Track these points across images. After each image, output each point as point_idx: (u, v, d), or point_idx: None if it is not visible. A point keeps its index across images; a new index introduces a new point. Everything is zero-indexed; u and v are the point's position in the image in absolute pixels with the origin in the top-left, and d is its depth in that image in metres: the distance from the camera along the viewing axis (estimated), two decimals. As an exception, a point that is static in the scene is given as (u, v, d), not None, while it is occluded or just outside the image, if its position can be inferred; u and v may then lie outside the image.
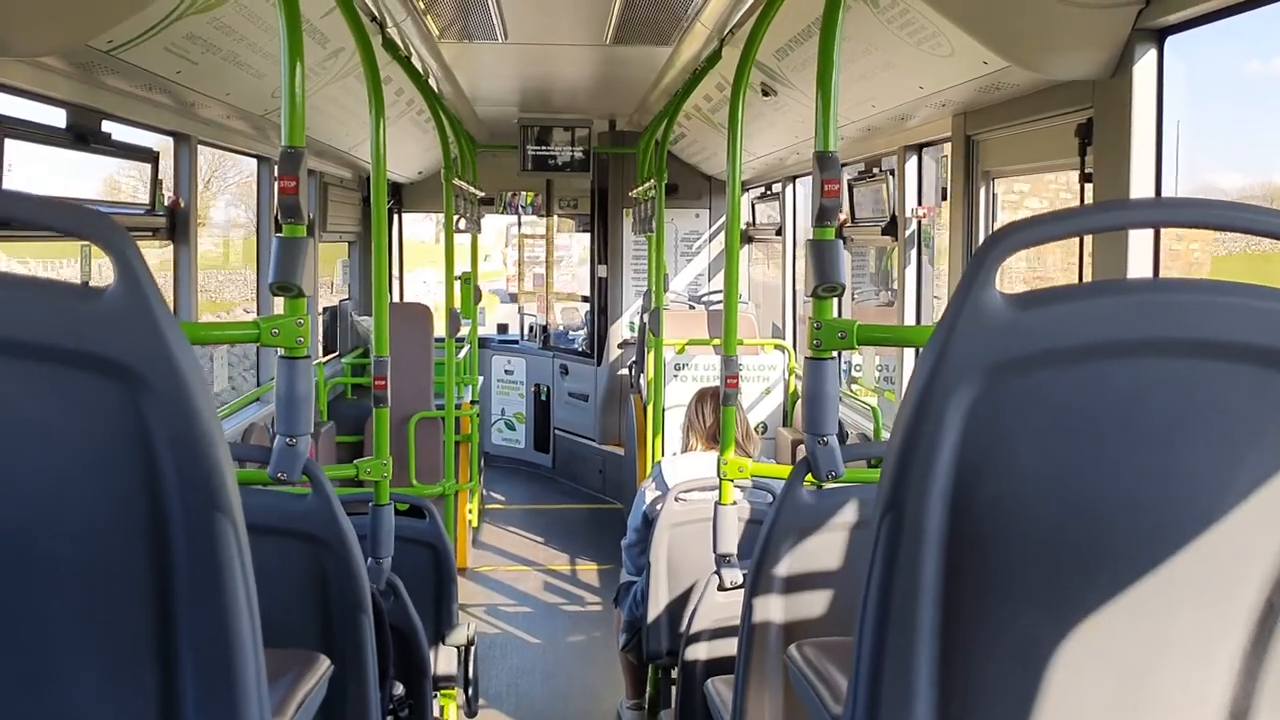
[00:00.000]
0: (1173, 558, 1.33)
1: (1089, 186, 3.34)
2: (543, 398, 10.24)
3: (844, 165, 5.11)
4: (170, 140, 4.64)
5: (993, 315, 1.27)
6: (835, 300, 2.43)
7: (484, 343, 9.97)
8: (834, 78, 2.45)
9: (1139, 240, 3.02)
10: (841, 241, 2.48)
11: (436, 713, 3.59)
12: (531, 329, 10.74)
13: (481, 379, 9.18)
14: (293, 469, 2.34)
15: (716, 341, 7.10)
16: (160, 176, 4.52)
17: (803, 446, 6.60)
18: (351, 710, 2.37)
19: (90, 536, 1.30)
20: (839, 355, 2.58)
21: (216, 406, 1.33)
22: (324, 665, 1.81)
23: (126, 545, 1.31)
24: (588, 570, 7.58)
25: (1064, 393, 1.28)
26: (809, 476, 2.43)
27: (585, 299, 10.22)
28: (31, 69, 3.27)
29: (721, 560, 3.25)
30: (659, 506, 4.22)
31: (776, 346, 7.14)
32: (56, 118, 3.77)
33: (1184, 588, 1.35)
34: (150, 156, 4.39)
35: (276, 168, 2.36)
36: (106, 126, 3.94)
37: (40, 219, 1.26)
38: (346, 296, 9.08)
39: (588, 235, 10.16)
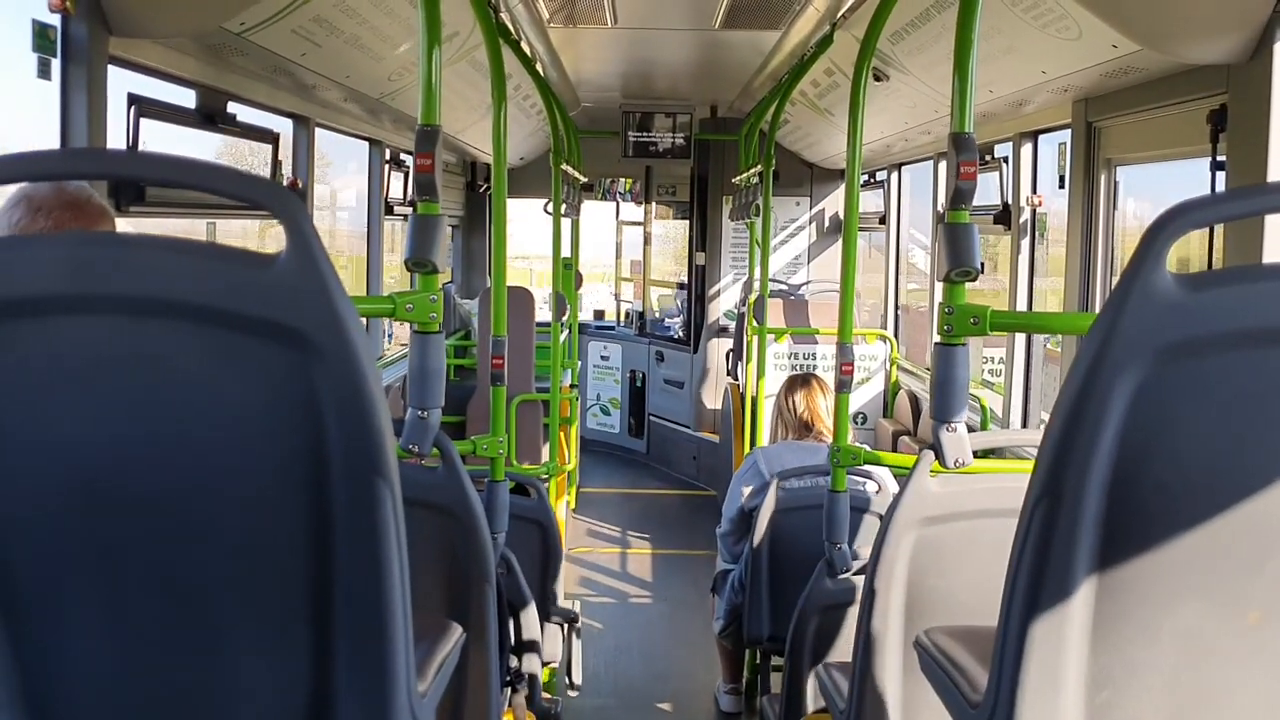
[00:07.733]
0: None
1: (1220, 175, 3.23)
2: (638, 384, 10.27)
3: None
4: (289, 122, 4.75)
5: (1163, 296, 1.23)
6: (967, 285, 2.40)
7: (581, 328, 10.03)
8: (972, 57, 2.41)
9: (1275, 232, 2.91)
10: (975, 226, 2.44)
11: None
12: (628, 315, 10.77)
13: (579, 364, 9.24)
14: (424, 441, 2.40)
15: (817, 331, 7.05)
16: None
17: (904, 437, 6.49)
18: (474, 678, 2.41)
19: (254, 499, 1.33)
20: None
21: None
22: (458, 632, 1.84)
23: (289, 508, 1.33)
24: (682, 556, 7.59)
25: (1236, 377, 1.24)
26: (935, 464, 2.40)
27: (682, 286, 10.22)
28: (164, 50, 3.37)
29: (833, 546, 3.23)
30: (759, 495, 4.21)
31: (880, 337, 7.07)
32: (186, 99, 3.89)
33: None
34: (271, 138, 4.50)
35: (414, 146, 2.40)
36: (231, 108, 4.04)
37: (219, 186, 1.30)
38: (449, 280, 9.20)
39: (685, 222, 10.14)
